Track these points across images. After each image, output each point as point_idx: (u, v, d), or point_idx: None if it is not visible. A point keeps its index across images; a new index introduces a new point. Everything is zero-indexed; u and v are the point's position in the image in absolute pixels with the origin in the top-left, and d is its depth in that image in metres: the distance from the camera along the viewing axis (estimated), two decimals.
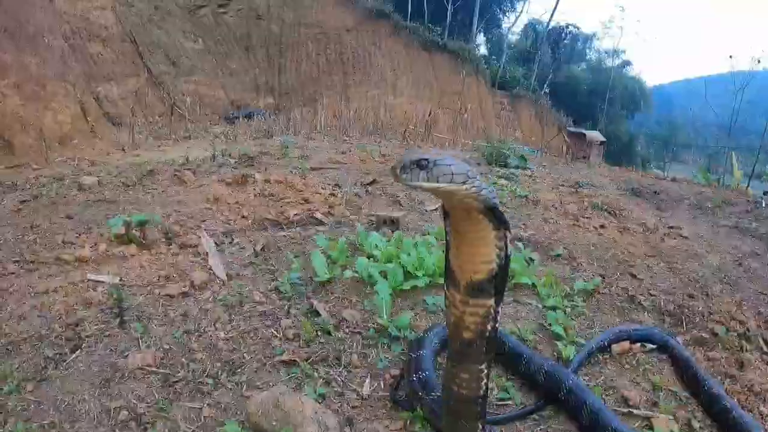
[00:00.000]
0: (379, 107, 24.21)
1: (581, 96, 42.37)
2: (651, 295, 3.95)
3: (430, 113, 16.72)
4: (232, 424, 2.15)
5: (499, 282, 1.63)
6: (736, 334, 3.43)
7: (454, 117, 22.83)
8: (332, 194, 5.83)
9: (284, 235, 4.35)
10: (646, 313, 3.67)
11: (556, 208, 6.21)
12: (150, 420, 2.21)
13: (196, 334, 2.83)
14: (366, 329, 3.00)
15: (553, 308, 3.44)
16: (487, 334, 1.67)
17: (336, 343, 2.84)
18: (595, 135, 31.04)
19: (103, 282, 3.35)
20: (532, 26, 43.49)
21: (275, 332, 2.89)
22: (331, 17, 25.72)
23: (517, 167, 9.50)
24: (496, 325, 1.68)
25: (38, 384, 2.42)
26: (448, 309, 1.72)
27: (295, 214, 4.94)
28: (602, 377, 2.82)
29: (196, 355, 2.64)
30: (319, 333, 2.92)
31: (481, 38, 40.65)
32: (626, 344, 3.08)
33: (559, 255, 4.55)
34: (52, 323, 2.87)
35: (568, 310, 3.47)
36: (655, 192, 8.63)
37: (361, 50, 26.28)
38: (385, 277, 3.38)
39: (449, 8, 31.38)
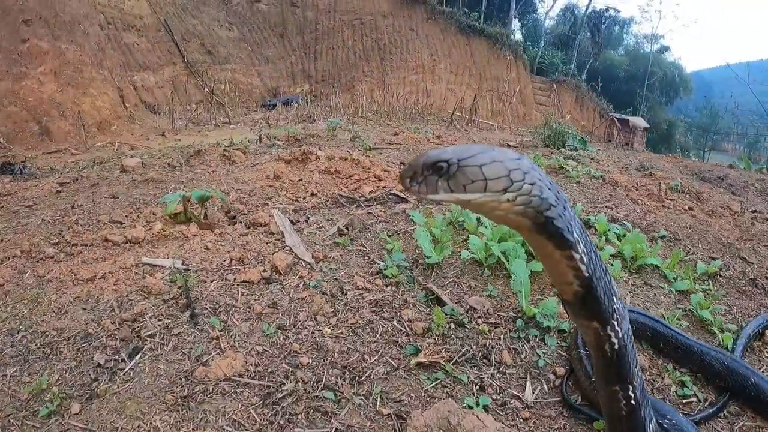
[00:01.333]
0: (418, 92, 23.96)
1: (619, 82, 41.58)
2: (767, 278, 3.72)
3: (475, 97, 16.10)
4: None
5: (590, 305, 1.24)
6: None
7: (495, 102, 22.36)
8: None
9: (366, 213, 3.71)
10: None
11: (636, 189, 5.84)
12: None
13: (294, 330, 2.18)
14: (503, 319, 2.40)
15: (686, 293, 3.16)
16: (609, 355, 1.31)
17: (478, 338, 2.22)
18: (638, 121, 30.63)
19: (161, 266, 2.74)
20: (570, 10, 42.69)
21: (398, 326, 2.25)
22: (366, 3, 25.38)
23: (576, 149, 9.14)
24: (615, 347, 1.30)
25: (87, 404, 1.80)
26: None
27: (371, 192, 4.34)
28: (764, 365, 2.55)
29: (301, 359, 1.99)
30: (452, 325, 2.29)
31: (516, 24, 39.93)
32: None
33: (663, 236, 4.25)
34: (102, 318, 2.26)
35: (702, 294, 3.13)
36: (719, 177, 8.31)
37: (397, 35, 25.77)
38: (506, 258, 2.74)
39: None
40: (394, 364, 2.02)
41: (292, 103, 18.51)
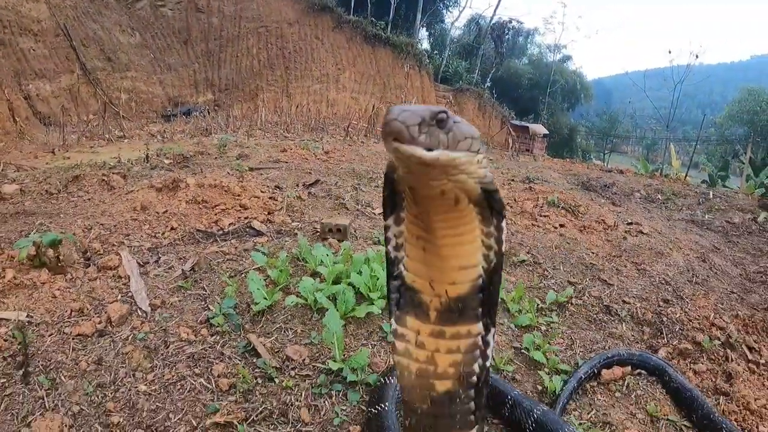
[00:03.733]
0: (321, 102, 24.26)
1: (523, 90, 43.33)
2: (625, 302, 3.92)
3: (373, 108, 16.52)
4: None
5: (488, 296, 1.19)
6: (719, 342, 3.41)
7: None
8: (272, 198, 5.46)
9: (218, 251, 3.90)
10: (623, 324, 3.66)
11: (511, 207, 6.18)
12: None
13: (112, 388, 2.35)
14: (315, 371, 2.60)
15: (528, 328, 3.26)
16: (474, 379, 1.19)
17: (281, 394, 2.41)
18: (538, 128, 31.86)
19: (7, 320, 2.80)
20: (475, 21, 43.82)
21: (206, 382, 2.44)
22: (272, 10, 25.20)
23: None
24: (488, 365, 1.22)
25: None
26: (402, 356, 1.21)
27: (231, 224, 4.55)
28: (593, 410, 2.61)
29: (113, 418, 2.17)
30: (260, 380, 2.49)
31: (423, 33, 40.91)
32: (617, 370, 2.93)
33: (523, 261, 4.44)
34: None
35: (544, 328, 3.32)
36: (606, 186, 8.80)
37: (303, 44, 25.80)
38: (335, 302, 3.01)
39: (393, 2, 31.24)
40: (194, 423, 2.21)
41: (192, 113, 18.39)
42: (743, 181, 16.32)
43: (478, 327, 1.18)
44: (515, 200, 6.49)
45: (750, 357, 3.29)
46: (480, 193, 1.09)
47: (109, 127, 12.40)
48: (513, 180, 8.30)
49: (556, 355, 3.00)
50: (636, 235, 5.69)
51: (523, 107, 40.84)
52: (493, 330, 1.20)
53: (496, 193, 1.12)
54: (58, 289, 3.17)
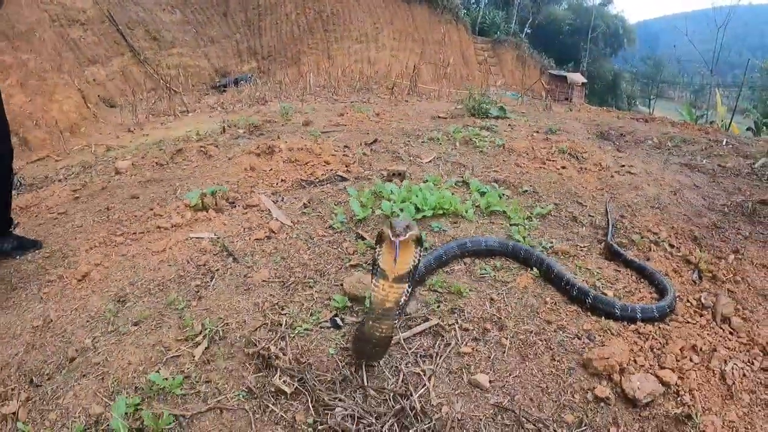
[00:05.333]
0: (363, 62, 24.84)
1: (564, 36, 43.17)
2: (590, 216, 5.05)
3: (414, 68, 17.45)
4: (337, 295, 3.50)
5: (412, 275, 2.48)
6: (648, 239, 4.56)
7: (437, 68, 23.27)
8: (345, 155, 7.02)
9: (321, 191, 5.59)
10: (583, 228, 4.80)
11: (527, 155, 7.25)
12: (284, 304, 3.48)
13: (289, 258, 4.12)
14: None
15: (516, 225, 4.63)
16: (401, 303, 2.49)
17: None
18: (575, 77, 31.68)
19: (202, 238, 4.52)
20: None
21: (340, 251, 4.25)
22: None
23: (497, 117, 10.54)
24: (407, 299, 2.53)
25: (198, 301, 3.54)
26: (375, 291, 2.46)
27: (322, 174, 6.19)
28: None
29: (295, 270, 3.93)
30: (366, 248, 4.24)
31: None
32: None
33: (525, 191, 5.60)
34: (185, 267, 3.99)
35: (528, 226, 4.79)
36: (622, 134, 9.44)
37: (340, 6, 26.54)
38: (401, 212, 4.75)
39: None
40: (339, 266, 4.00)
41: (242, 82, 19.04)
42: None
43: (406, 285, 2.47)
44: (533, 149, 7.43)
45: (668, 250, 4.41)
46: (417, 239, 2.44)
47: (171, 103, 12.81)
48: (537, 132, 9.06)
49: (530, 238, 4.42)
50: (624, 175, 6.47)
51: (564, 54, 40.50)
52: (410, 288, 2.51)
53: (422, 240, 2.47)
54: (225, 221, 4.91)
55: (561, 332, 3.29)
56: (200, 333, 3.18)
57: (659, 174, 6.63)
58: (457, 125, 8.91)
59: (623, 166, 6.98)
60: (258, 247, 4.37)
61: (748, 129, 17.55)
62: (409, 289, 2.48)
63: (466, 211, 4.75)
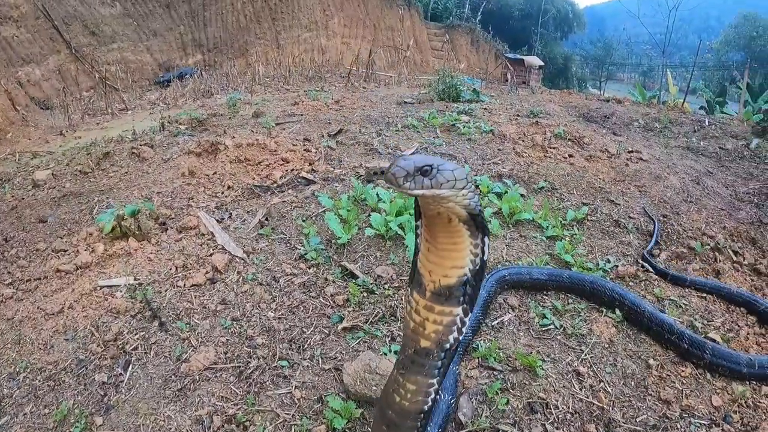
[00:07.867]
0: (313, 50, 23.95)
1: (515, 21, 43.39)
2: (631, 218, 4.46)
3: (370, 54, 16.46)
4: (334, 398, 2.17)
5: (469, 289, 1.54)
6: (708, 247, 4.05)
7: (392, 53, 22.77)
8: (307, 150, 5.70)
9: (282, 201, 4.25)
10: (631, 235, 4.16)
11: (523, 141, 6.45)
12: (247, 418, 2.17)
13: (245, 319, 2.78)
14: (404, 282, 3.06)
15: (555, 238, 3.83)
16: (447, 345, 1.56)
17: (385, 301, 2.89)
18: (533, 60, 31.91)
19: (117, 286, 3.16)
20: None
21: (324, 301, 2.92)
22: None
23: (470, 101, 9.67)
24: (460, 338, 1.58)
25: (106, 415, 2.27)
26: (408, 314, 1.60)
27: (281, 177, 4.84)
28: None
29: (257, 341, 2.60)
30: (365, 294, 2.96)
31: None
32: None
33: (542, 187, 4.89)
34: (87, 344, 2.69)
35: (568, 238, 3.86)
36: (605, 116, 9.05)
37: None
38: (403, 230, 3.44)
39: None
40: (326, 331, 2.69)
41: (187, 76, 18.18)
42: (741, 107, 16.32)
43: (458, 310, 1.53)
44: (525, 134, 6.73)
45: (735, 259, 3.99)
46: (466, 215, 1.43)
47: (108, 101, 12.20)
48: (519, 115, 8.46)
49: (581, 257, 3.58)
50: (636, 162, 6.09)
51: (516, 39, 40.85)
52: (470, 314, 1.56)
53: (479, 216, 1.45)
54: (151, 253, 3.53)
55: (688, 418, 2.21)
56: None
57: (668, 160, 6.49)
58: (431, 110, 8.08)
59: (631, 152, 6.53)
60: (197, 299, 2.97)
61: (701, 108, 18.08)
62: (464, 323, 1.55)
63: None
